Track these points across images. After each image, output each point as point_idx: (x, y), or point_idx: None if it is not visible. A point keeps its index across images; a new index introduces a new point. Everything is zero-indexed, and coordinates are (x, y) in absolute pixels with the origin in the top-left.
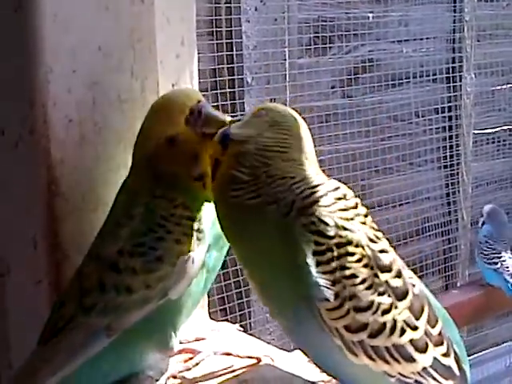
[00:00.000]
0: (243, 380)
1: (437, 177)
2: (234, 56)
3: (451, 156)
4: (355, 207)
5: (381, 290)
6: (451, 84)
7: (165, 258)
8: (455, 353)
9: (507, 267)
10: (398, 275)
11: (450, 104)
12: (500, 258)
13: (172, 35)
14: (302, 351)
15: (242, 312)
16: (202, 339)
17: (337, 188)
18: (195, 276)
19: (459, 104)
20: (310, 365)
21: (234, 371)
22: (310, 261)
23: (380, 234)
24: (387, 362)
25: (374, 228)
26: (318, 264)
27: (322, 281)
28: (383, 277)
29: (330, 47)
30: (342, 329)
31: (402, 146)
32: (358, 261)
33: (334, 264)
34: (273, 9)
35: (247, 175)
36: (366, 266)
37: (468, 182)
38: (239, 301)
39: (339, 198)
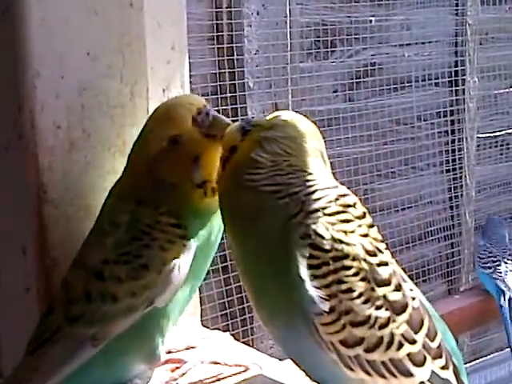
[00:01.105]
0: None
1: (440, 181)
2: (236, 60)
3: (454, 160)
4: (362, 217)
5: (378, 303)
6: (454, 88)
7: (150, 265)
8: (454, 365)
9: (500, 273)
10: (397, 289)
11: (452, 108)
12: (495, 262)
13: (162, 40)
14: (294, 362)
15: (243, 317)
16: (193, 348)
17: (348, 194)
18: (181, 284)
19: (462, 108)
20: (300, 374)
21: (222, 379)
22: (304, 274)
23: (382, 246)
24: (384, 377)
25: (376, 239)
26: (313, 278)
27: (317, 295)
28: (381, 291)
29: (332, 51)
30: (337, 343)
31: (405, 150)
32: (355, 275)
33: (330, 278)
34: (274, 13)
35: (268, 161)
36: (363, 279)
37: (471, 185)
38: (240, 306)
39: (348, 206)
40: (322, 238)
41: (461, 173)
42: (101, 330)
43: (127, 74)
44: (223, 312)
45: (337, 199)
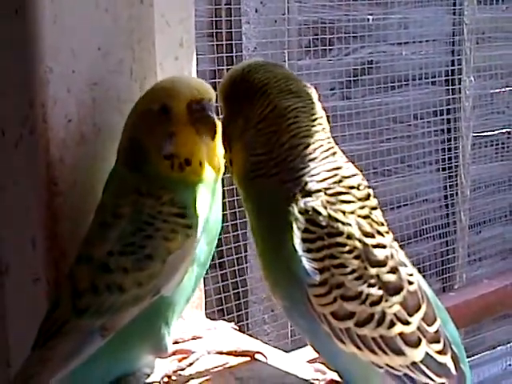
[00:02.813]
0: (238, 378)
1: (435, 179)
2: (234, 57)
3: (450, 158)
4: (366, 199)
5: (371, 282)
6: (450, 87)
7: (154, 255)
8: (453, 352)
9: None
10: (393, 271)
11: (449, 106)
12: None
13: (171, 37)
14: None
15: (239, 313)
16: (199, 338)
17: (353, 175)
18: (186, 272)
19: (458, 107)
20: (304, 364)
21: (228, 368)
22: (299, 246)
23: (383, 229)
24: (374, 353)
25: (378, 222)
26: (308, 251)
27: (309, 267)
28: (374, 270)
29: (329, 49)
30: (329, 315)
31: (401, 148)
32: (349, 252)
33: (323, 252)
34: (273, 10)
35: (262, 155)
36: (356, 257)
37: (466, 184)
38: (237, 302)
39: (351, 187)
40: (319, 214)
41: (456, 171)
42: (109, 320)
43: (137, 70)
44: (219, 307)
45: (340, 181)
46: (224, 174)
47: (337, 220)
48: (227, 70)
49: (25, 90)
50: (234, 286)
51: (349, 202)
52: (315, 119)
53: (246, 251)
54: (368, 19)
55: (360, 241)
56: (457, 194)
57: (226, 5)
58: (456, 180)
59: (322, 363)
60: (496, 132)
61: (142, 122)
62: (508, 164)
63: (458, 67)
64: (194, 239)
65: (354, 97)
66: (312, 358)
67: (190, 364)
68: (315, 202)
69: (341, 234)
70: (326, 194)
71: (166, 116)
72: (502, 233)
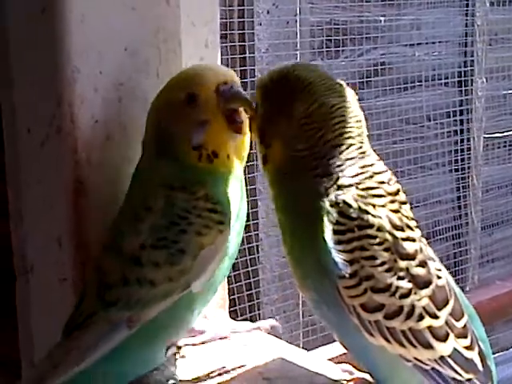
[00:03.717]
0: (266, 378)
1: (448, 180)
2: (247, 58)
3: (462, 159)
4: (395, 193)
5: (400, 274)
6: (463, 88)
7: (186, 250)
8: (480, 349)
9: None
10: (422, 265)
11: (461, 108)
12: None
13: (196, 38)
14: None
15: (251, 314)
16: (225, 338)
17: (384, 171)
18: (217, 267)
19: (470, 108)
20: (330, 364)
21: (255, 368)
22: (329, 238)
23: (413, 223)
24: (403, 346)
25: (408, 217)
26: (339, 242)
27: (340, 258)
28: (404, 263)
29: (342, 50)
30: (358, 307)
31: (414, 150)
32: (379, 244)
33: (354, 244)
34: (285, 12)
35: (303, 150)
36: (386, 250)
37: (478, 185)
38: (249, 303)
39: (382, 182)
40: (350, 206)
41: (468, 172)
42: (137, 313)
43: (163, 70)
44: (232, 309)
45: (371, 176)
46: None
47: (367, 212)
48: (240, 71)
49: (52, 89)
50: (247, 287)
51: (379, 196)
52: (358, 121)
53: (258, 252)
54: (380, 20)
55: (390, 233)
56: (469, 195)
57: (238, 6)
58: (468, 181)
59: (347, 363)
60: (508, 133)
61: (168, 112)
62: None
63: (471, 68)
64: (226, 235)
65: (366, 98)
66: (329, 358)
67: (202, 343)
68: (346, 196)
69: (371, 226)
70: (357, 188)
71: (194, 104)
72: None
